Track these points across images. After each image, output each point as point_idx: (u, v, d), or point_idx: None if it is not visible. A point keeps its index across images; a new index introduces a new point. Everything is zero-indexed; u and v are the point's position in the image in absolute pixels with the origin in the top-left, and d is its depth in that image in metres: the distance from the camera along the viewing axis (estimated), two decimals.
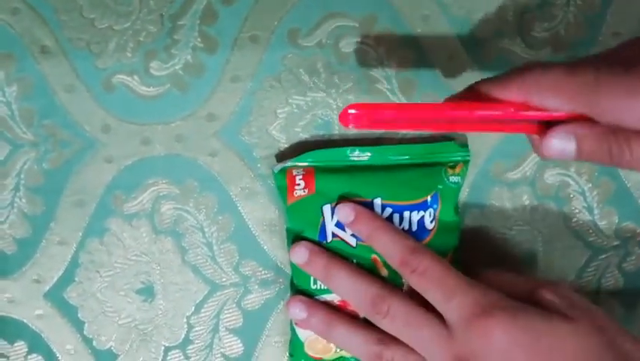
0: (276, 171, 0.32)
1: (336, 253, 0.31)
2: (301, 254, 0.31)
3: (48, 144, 0.33)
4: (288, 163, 0.32)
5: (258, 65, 0.33)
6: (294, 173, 0.32)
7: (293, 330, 0.32)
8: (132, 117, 0.33)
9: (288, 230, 0.33)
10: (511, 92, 0.26)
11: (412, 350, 0.29)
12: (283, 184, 0.32)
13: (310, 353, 0.32)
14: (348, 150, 0.32)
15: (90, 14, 0.33)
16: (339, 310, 0.31)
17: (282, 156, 0.34)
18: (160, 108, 0.33)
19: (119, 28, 0.33)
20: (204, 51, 0.33)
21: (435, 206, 0.32)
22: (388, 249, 0.30)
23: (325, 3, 0.33)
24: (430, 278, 0.29)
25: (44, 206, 0.33)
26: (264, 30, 0.33)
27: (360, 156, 0.32)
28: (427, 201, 0.31)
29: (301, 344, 0.32)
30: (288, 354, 0.34)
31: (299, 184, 0.31)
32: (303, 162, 0.32)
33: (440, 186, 0.32)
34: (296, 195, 0.31)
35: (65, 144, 0.33)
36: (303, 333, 0.32)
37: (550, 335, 0.27)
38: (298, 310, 0.31)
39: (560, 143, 0.26)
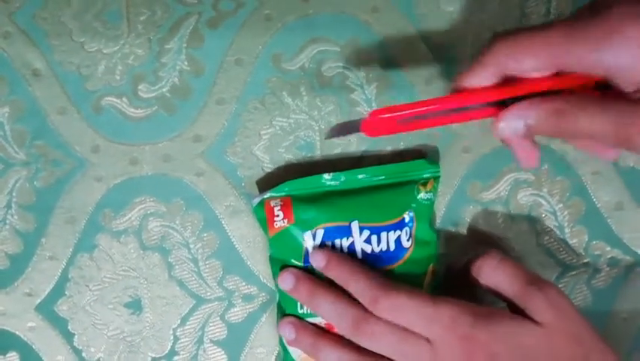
0: (254, 205, 0.33)
1: (323, 278, 0.33)
2: (288, 281, 0.32)
3: (39, 164, 0.34)
4: (266, 195, 0.33)
5: (242, 87, 0.35)
6: (272, 204, 0.33)
7: (285, 349, 0.34)
8: (121, 138, 0.34)
9: (272, 259, 0.34)
10: (489, 70, 0.27)
11: None
12: (262, 217, 0.33)
13: None
14: (322, 177, 0.33)
15: (80, 38, 0.34)
16: (326, 332, 0.33)
17: (266, 179, 0.35)
18: (148, 129, 0.34)
19: (108, 51, 0.34)
20: (191, 74, 0.34)
21: (410, 224, 0.33)
22: (361, 292, 0.31)
23: (308, 28, 0.34)
24: (406, 312, 0.30)
25: (36, 223, 0.35)
26: (249, 54, 0.35)
27: (334, 180, 0.33)
28: (402, 220, 0.33)
29: None
30: None
31: (278, 215, 0.33)
32: (280, 193, 0.33)
33: (414, 205, 0.33)
34: (276, 227, 0.33)
35: (56, 164, 0.34)
36: (295, 352, 0.33)
37: (526, 342, 0.28)
38: (288, 331, 0.33)
39: (509, 123, 0.27)
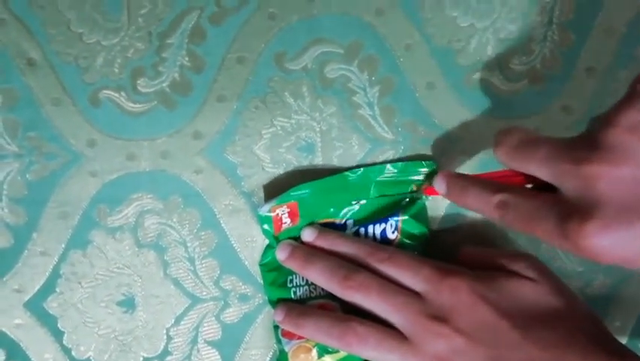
0: (263, 215, 0.34)
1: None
2: (286, 249, 0.33)
3: (32, 156, 0.33)
4: (274, 202, 0.33)
5: (244, 85, 0.34)
6: (280, 214, 0.33)
7: (279, 341, 0.34)
8: (118, 133, 0.34)
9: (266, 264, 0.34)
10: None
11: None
12: (269, 224, 0.34)
13: None
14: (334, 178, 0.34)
15: (78, 29, 0.33)
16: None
17: (266, 180, 0.35)
18: (146, 125, 0.34)
19: (107, 43, 0.33)
20: (191, 70, 0.34)
21: (396, 217, 0.34)
22: (355, 249, 0.32)
23: (312, 29, 0.34)
24: (396, 262, 0.31)
25: (27, 217, 0.34)
26: (251, 52, 0.34)
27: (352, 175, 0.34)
28: (389, 214, 0.34)
29: (285, 355, 0.33)
30: None
31: (285, 222, 0.33)
32: (287, 200, 0.33)
33: (406, 199, 0.34)
34: (283, 229, 0.34)
35: (50, 157, 0.33)
36: (287, 344, 0.33)
37: (512, 290, 0.30)
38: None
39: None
